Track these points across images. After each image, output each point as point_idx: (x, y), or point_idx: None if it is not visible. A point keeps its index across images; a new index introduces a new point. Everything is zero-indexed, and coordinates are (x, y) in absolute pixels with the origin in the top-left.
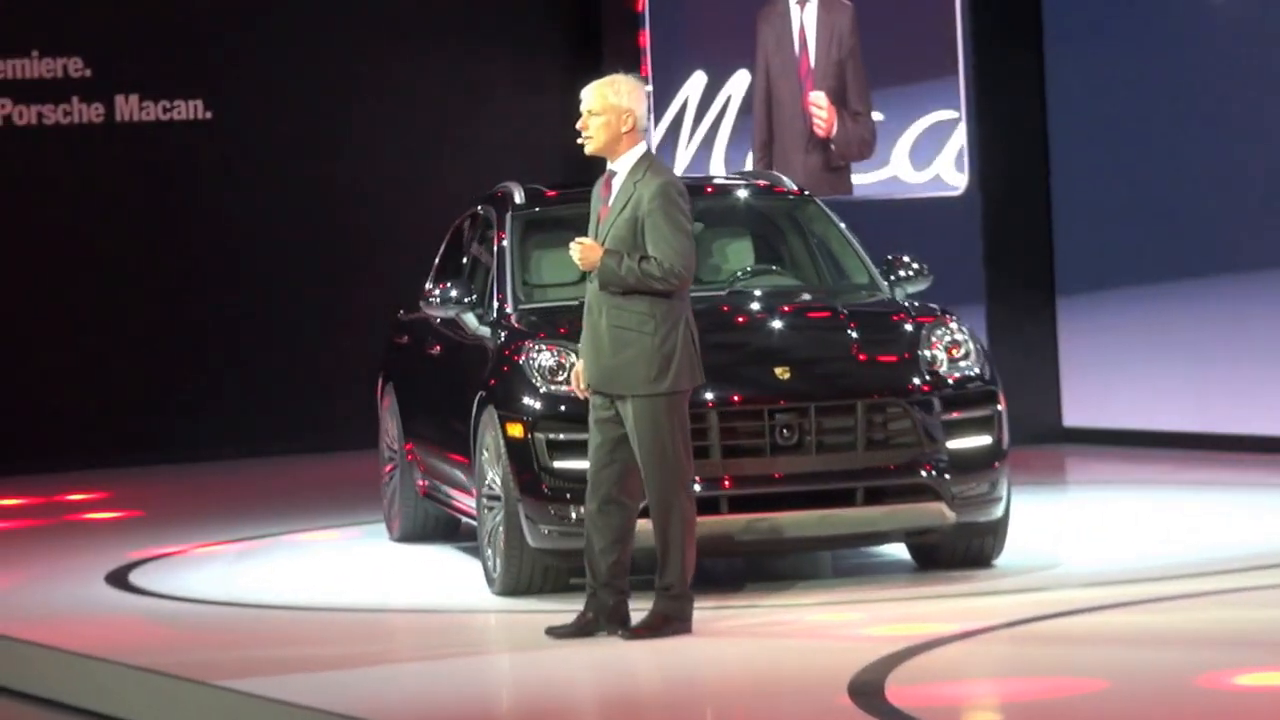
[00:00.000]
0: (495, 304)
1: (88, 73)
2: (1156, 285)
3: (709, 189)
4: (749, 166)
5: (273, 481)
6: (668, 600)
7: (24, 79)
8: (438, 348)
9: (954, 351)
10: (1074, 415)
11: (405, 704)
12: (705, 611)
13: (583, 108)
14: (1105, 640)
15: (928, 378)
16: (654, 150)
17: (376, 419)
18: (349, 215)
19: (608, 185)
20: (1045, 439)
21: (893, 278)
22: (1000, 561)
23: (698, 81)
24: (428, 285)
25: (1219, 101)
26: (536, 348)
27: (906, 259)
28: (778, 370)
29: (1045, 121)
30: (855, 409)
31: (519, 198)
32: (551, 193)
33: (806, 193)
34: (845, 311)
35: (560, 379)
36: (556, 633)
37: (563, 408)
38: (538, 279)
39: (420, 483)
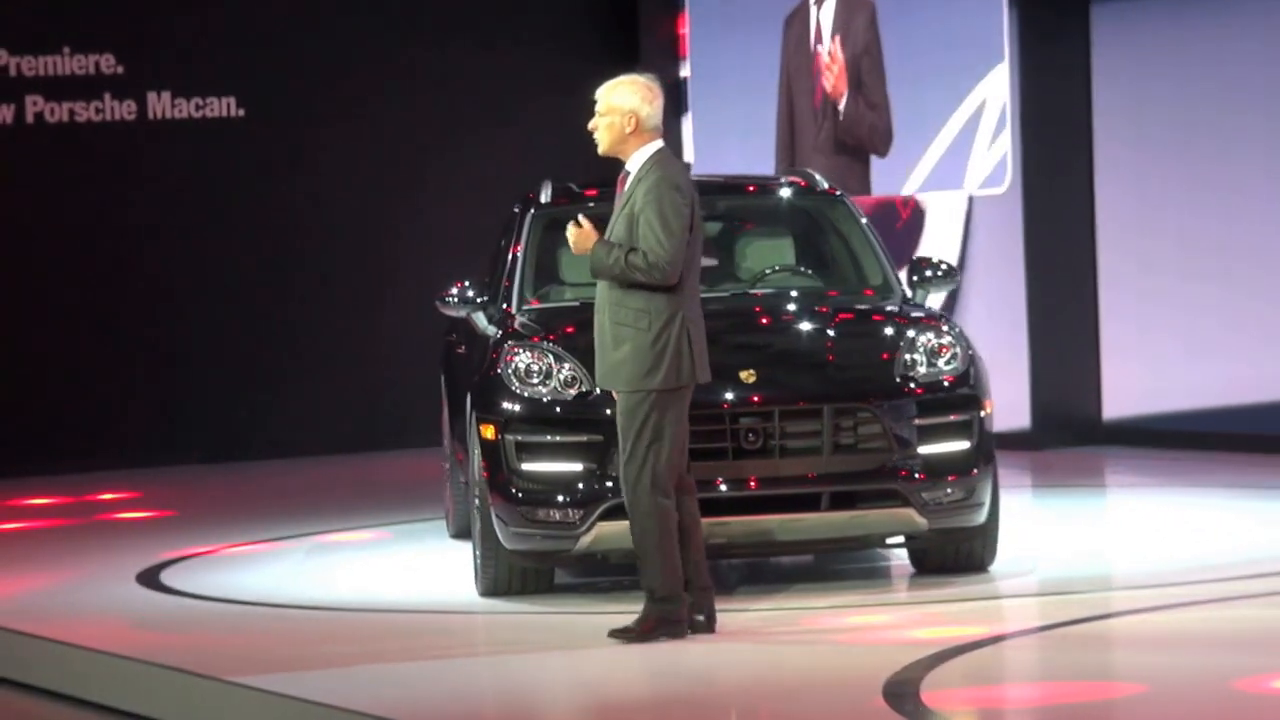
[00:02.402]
0: (503, 303)
1: (120, 70)
2: (1200, 281)
3: (751, 188)
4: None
5: (305, 482)
6: (653, 604)
7: (56, 76)
8: (463, 347)
9: (939, 355)
10: (1114, 413)
11: (431, 703)
12: (731, 614)
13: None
14: (1142, 643)
15: (900, 381)
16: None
17: (412, 419)
18: (385, 213)
19: (621, 183)
20: (1085, 439)
21: (915, 279)
22: (1034, 564)
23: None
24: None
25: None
26: (515, 349)
27: (935, 260)
28: (743, 374)
29: (1090, 116)
30: (821, 413)
31: (544, 197)
32: (591, 190)
33: (839, 192)
34: (832, 314)
35: (534, 381)
36: (616, 632)
37: (543, 410)
38: (558, 278)
39: (462, 480)
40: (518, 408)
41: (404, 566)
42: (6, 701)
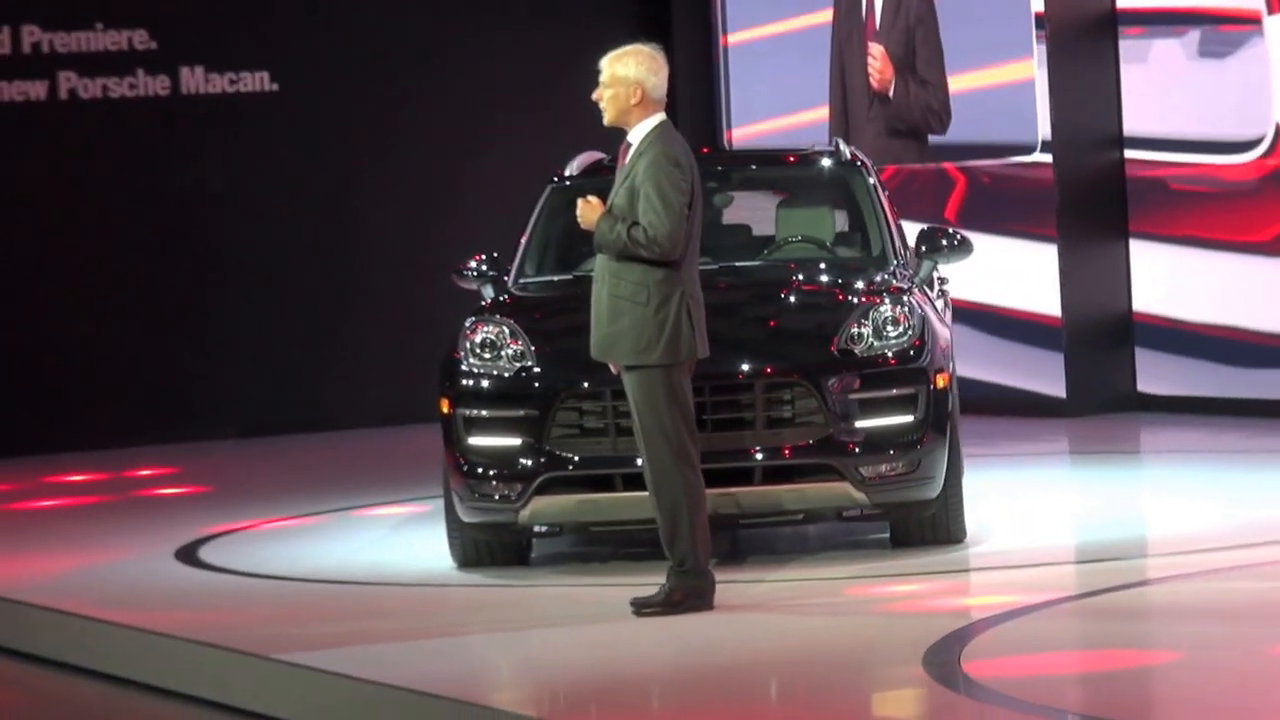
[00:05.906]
0: (505, 277)
1: (153, 45)
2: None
3: (780, 158)
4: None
5: (343, 456)
6: (680, 576)
7: (88, 52)
8: None
9: (894, 325)
10: (1149, 382)
11: (468, 676)
12: (761, 585)
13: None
14: (1177, 611)
15: (840, 354)
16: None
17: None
18: (419, 186)
19: (623, 154)
20: (1120, 406)
21: (925, 248)
22: (1067, 532)
23: None
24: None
25: None
26: (477, 325)
27: (950, 230)
28: None
29: (1118, 68)
30: (753, 387)
31: (571, 170)
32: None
33: (860, 161)
34: (794, 285)
35: (487, 357)
36: (638, 604)
37: (487, 385)
38: (573, 252)
39: None
40: (466, 383)
41: (442, 540)
42: (43, 679)
